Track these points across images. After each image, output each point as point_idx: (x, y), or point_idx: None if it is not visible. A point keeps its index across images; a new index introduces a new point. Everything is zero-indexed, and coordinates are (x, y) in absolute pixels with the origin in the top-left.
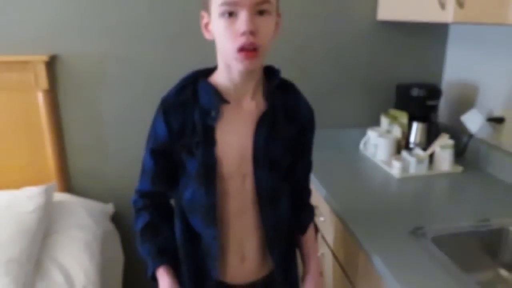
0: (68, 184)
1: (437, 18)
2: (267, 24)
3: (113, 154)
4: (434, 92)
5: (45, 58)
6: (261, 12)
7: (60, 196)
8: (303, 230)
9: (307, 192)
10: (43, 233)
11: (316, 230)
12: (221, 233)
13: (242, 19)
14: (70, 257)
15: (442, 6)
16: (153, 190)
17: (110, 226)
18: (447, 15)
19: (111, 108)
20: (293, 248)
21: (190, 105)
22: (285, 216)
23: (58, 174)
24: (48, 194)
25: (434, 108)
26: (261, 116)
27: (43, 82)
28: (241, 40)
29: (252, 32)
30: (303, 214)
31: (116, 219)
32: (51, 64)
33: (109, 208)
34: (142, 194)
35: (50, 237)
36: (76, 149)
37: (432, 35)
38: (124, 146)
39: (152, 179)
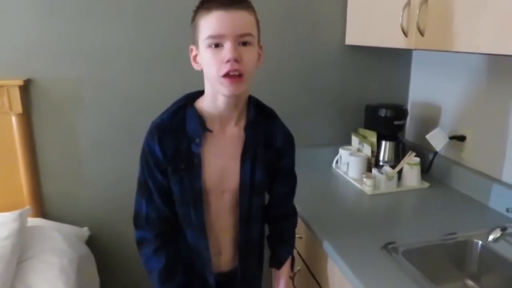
0: (42, 209)
1: (401, 44)
2: (250, 53)
3: (88, 178)
4: (400, 112)
5: (19, 82)
6: (244, 43)
7: (34, 221)
8: (280, 264)
9: (290, 220)
10: (17, 259)
11: (293, 262)
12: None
13: (227, 49)
14: (45, 283)
15: (405, 34)
16: (161, 210)
17: (85, 250)
18: (409, 42)
19: (86, 132)
20: (261, 263)
21: (181, 131)
22: (258, 235)
23: (32, 199)
24: (22, 220)
25: (401, 128)
26: (244, 146)
27: (17, 106)
28: (227, 67)
29: (236, 60)
30: (282, 247)
31: (92, 242)
32: (26, 88)
33: (85, 231)
34: (152, 227)
35: (25, 263)
36: (51, 173)
37: (397, 59)
38: (100, 169)
39: (161, 194)
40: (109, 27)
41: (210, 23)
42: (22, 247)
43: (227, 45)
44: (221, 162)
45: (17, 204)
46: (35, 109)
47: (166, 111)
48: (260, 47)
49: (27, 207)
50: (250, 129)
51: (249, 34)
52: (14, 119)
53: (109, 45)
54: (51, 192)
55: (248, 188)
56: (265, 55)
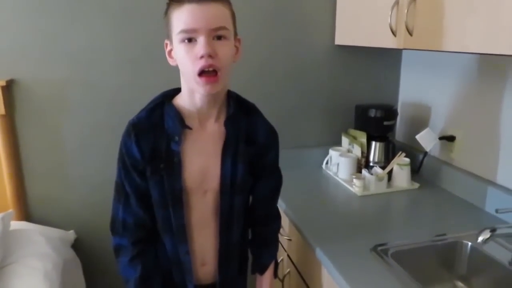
0: (26, 212)
1: (389, 44)
2: (225, 48)
3: (75, 180)
4: (390, 112)
5: (1, 82)
6: (219, 37)
7: (17, 225)
8: (262, 270)
9: (273, 223)
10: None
11: (276, 267)
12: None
13: (201, 44)
14: None
15: (394, 33)
16: (138, 215)
17: (71, 254)
18: (398, 42)
19: (71, 134)
20: (245, 268)
21: (159, 129)
22: (239, 240)
23: (16, 202)
24: (4, 223)
25: (391, 128)
26: (225, 142)
27: (0, 107)
28: (201, 63)
29: (210, 55)
30: (264, 253)
31: (78, 246)
32: (9, 89)
33: (70, 235)
34: (128, 233)
35: (7, 268)
36: (35, 176)
37: (386, 59)
38: (85, 171)
39: (138, 198)
40: (94, 27)
41: (182, 17)
42: (4, 252)
43: (201, 40)
44: (202, 160)
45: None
46: (19, 110)
47: (143, 109)
48: (237, 40)
49: (10, 210)
50: (231, 125)
51: (224, 28)
52: None
53: (94, 45)
54: (35, 194)
55: (229, 186)
56: (254, 55)
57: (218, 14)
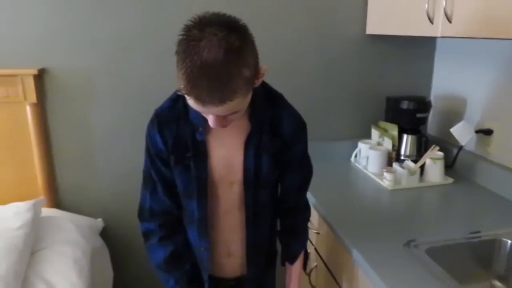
0: (56, 199)
1: (426, 32)
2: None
3: (103, 169)
4: (423, 104)
5: (33, 71)
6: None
7: (48, 212)
8: (292, 259)
9: (302, 213)
10: (31, 249)
11: (306, 257)
12: (210, 233)
13: (211, 120)
14: (58, 274)
15: (431, 20)
16: (165, 203)
17: (99, 242)
18: (435, 30)
19: (100, 122)
20: (273, 261)
21: (183, 118)
22: (267, 233)
23: (46, 189)
24: (35, 210)
25: (424, 121)
26: (249, 134)
27: (32, 95)
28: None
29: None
30: (294, 241)
31: (106, 234)
32: (40, 78)
33: (99, 223)
34: (156, 218)
35: (38, 253)
36: (65, 164)
37: (420, 48)
38: (114, 160)
39: (164, 186)
40: (124, 16)
41: (190, 101)
42: (36, 237)
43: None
44: (226, 152)
45: (31, 194)
46: (50, 98)
47: (168, 98)
48: (260, 75)
49: (41, 197)
50: (255, 117)
51: (235, 112)
52: (28, 108)
53: (124, 35)
54: (65, 182)
55: (252, 179)
56: (283, 46)
57: (226, 109)
